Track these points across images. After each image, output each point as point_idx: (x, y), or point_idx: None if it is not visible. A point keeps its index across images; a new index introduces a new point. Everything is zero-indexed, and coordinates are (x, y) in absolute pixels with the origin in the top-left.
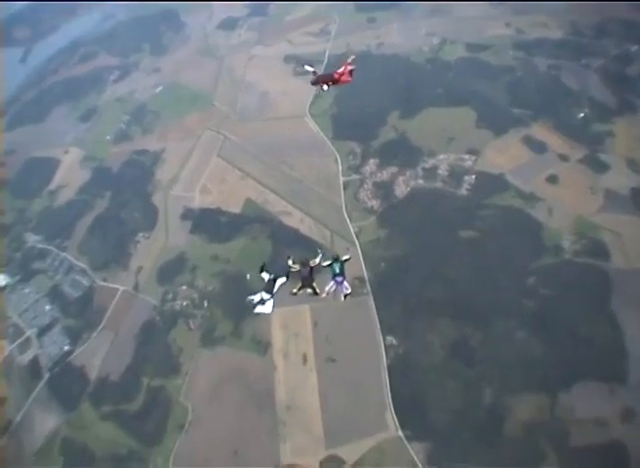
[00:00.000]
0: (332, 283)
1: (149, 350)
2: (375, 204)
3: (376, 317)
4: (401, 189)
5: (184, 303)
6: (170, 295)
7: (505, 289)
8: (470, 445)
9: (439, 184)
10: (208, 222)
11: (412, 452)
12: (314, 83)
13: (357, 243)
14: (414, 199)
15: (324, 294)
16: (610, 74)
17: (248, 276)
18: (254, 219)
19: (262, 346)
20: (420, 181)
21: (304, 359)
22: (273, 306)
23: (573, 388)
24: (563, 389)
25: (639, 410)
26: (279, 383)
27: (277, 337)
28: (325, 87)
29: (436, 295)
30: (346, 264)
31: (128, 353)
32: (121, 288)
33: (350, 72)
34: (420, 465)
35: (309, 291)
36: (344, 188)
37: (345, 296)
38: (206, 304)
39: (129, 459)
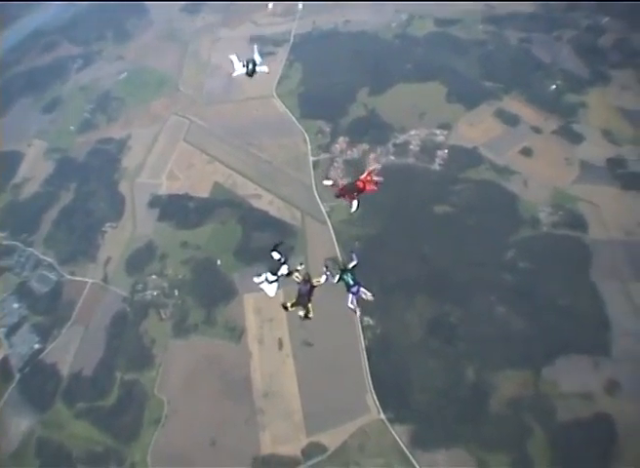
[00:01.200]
0: (350, 296)
1: (121, 343)
2: (345, 182)
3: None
4: (372, 166)
5: (155, 293)
6: (140, 286)
7: (483, 263)
8: (454, 424)
9: (411, 160)
10: (176, 209)
11: (395, 435)
12: (339, 196)
13: (329, 223)
14: (386, 175)
15: (353, 308)
16: (581, 46)
17: (218, 262)
18: (223, 203)
19: (237, 333)
20: (392, 158)
21: (280, 344)
22: (277, 289)
23: (556, 362)
24: (546, 364)
25: (624, 382)
26: (255, 370)
27: (251, 323)
28: (355, 203)
29: (413, 273)
30: (318, 243)
31: (99, 347)
32: (90, 280)
33: (376, 183)
34: (404, 448)
35: (300, 313)
36: (314, 168)
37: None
38: (177, 293)
39: (106, 457)
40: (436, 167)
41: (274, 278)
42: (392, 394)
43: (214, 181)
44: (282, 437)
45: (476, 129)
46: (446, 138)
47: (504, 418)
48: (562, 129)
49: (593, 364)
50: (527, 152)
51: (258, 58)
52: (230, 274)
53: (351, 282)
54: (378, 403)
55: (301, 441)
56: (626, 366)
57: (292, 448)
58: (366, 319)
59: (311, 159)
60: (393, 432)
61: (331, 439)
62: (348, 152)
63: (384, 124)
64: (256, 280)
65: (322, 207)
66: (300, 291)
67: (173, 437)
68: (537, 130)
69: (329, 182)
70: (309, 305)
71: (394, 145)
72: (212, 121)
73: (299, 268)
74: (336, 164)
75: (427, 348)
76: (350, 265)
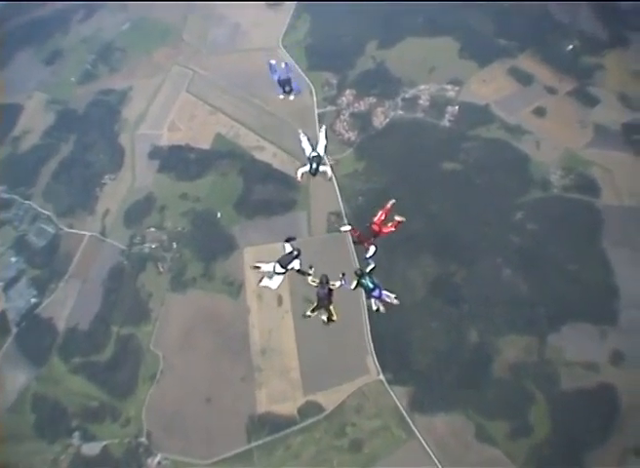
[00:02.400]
0: (373, 301)
1: (118, 297)
2: (352, 135)
3: (354, 253)
4: (379, 120)
5: (153, 246)
6: (138, 238)
7: (491, 224)
8: (455, 388)
9: (420, 115)
10: (176, 160)
11: (394, 397)
12: (356, 243)
13: (334, 177)
14: (393, 130)
15: (382, 309)
16: (601, 7)
17: (218, 214)
18: (224, 155)
19: (235, 288)
20: (400, 112)
21: (280, 300)
22: (281, 282)
23: (562, 329)
24: (552, 330)
25: (630, 353)
26: (253, 326)
27: (250, 278)
28: (372, 249)
29: (417, 231)
30: (321, 198)
31: (96, 301)
32: (87, 233)
33: (397, 224)
34: (402, 410)
35: (323, 317)
36: (319, 120)
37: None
38: (175, 246)
39: (101, 413)
40: (446, 123)
41: (282, 271)
42: (392, 355)
43: (216, 132)
44: (279, 395)
45: (488, 86)
46: (457, 94)
47: (506, 384)
48: (577, 90)
49: (599, 333)
50: (540, 112)
51: (322, 143)
52: (230, 227)
53: (370, 285)
54: (377, 363)
55: (298, 400)
56: (633, 337)
57: (288, 407)
58: (357, 268)
59: (317, 111)
60: (392, 393)
61: (328, 399)
62: (355, 105)
63: (393, 78)
64: (263, 268)
65: (326, 160)
66: (318, 294)
67: (168, 393)
68: (551, 90)
69: (347, 228)
70: (331, 308)
71: (403, 100)
72: (215, 71)
73: (310, 272)
74: (342, 116)
75: (430, 309)
76: (368, 269)
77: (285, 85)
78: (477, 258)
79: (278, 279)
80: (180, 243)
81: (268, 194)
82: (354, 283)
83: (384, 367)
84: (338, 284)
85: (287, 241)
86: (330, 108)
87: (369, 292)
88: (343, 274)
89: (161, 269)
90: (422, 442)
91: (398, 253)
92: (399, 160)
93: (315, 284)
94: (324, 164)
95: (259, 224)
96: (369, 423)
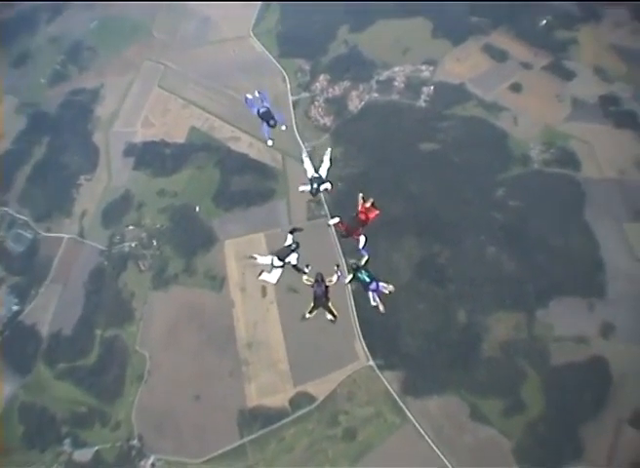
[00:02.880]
0: (371, 294)
1: (100, 299)
2: (327, 121)
3: (336, 240)
4: (355, 104)
5: (133, 244)
6: (117, 238)
7: (472, 202)
8: (446, 369)
9: (395, 97)
10: (152, 156)
11: (385, 382)
12: (346, 236)
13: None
14: (369, 113)
15: (376, 305)
16: None
17: (197, 208)
18: (200, 148)
19: (218, 281)
20: (375, 95)
21: (263, 291)
22: (280, 276)
23: (550, 304)
24: (540, 306)
25: (619, 325)
26: (238, 320)
27: (232, 270)
28: (363, 239)
29: (399, 213)
30: (300, 185)
31: (78, 304)
32: (66, 236)
33: (373, 204)
34: (394, 395)
35: (329, 317)
36: (294, 107)
37: (390, 292)
38: (155, 243)
39: (90, 417)
40: (422, 103)
41: (280, 264)
42: (381, 339)
43: (190, 126)
44: (268, 388)
45: (463, 64)
46: (431, 74)
47: (497, 362)
48: (552, 65)
49: (588, 306)
50: (516, 88)
51: (326, 165)
52: (210, 220)
53: (367, 279)
54: (366, 349)
55: (289, 391)
56: (621, 308)
57: (279, 400)
58: (352, 261)
59: (291, 98)
60: (383, 379)
61: (319, 388)
62: (330, 90)
63: (366, 61)
64: (259, 260)
65: (303, 147)
66: (315, 293)
67: (156, 393)
68: (526, 65)
69: (335, 221)
70: (330, 305)
71: (377, 82)
72: (187, 65)
73: (306, 270)
74: (317, 102)
75: (416, 290)
76: (362, 261)
77: (268, 119)
78: (461, 237)
79: (277, 273)
80: (160, 239)
81: (246, 185)
82: (349, 277)
83: (374, 352)
84: (334, 278)
85: (291, 232)
86: (304, 95)
87: (366, 287)
88: (338, 265)
89: (142, 267)
90: (417, 426)
91: (381, 237)
92: (376, 143)
93: (310, 283)
94: (324, 182)
95: (238, 216)
96: (361, 410)
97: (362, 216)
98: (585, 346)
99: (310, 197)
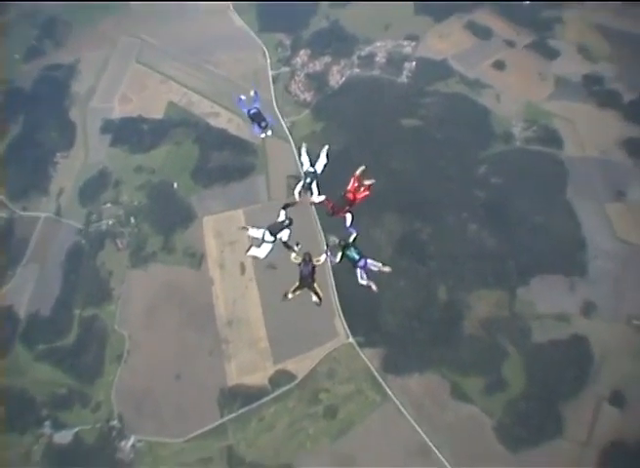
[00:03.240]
0: (359, 272)
1: (78, 278)
2: (308, 96)
3: (316, 216)
4: (336, 79)
5: (110, 222)
6: (94, 216)
7: (454, 179)
8: (427, 346)
9: (377, 72)
10: (129, 132)
11: (366, 359)
12: (332, 215)
13: (291, 139)
14: (350, 88)
15: (366, 284)
16: None
17: (175, 185)
18: (178, 123)
19: (197, 259)
20: (357, 70)
21: (242, 268)
22: (269, 252)
23: (531, 282)
24: (521, 283)
25: (600, 304)
26: (217, 297)
27: (211, 248)
28: (349, 218)
29: (379, 189)
30: (279, 161)
31: (56, 284)
32: (42, 215)
33: (368, 187)
34: (375, 372)
35: (315, 299)
36: (274, 82)
37: (384, 272)
38: (133, 220)
39: (70, 399)
40: (403, 79)
41: (272, 239)
42: (361, 317)
43: (168, 101)
44: (248, 366)
45: (446, 41)
46: (413, 50)
47: (479, 340)
48: (536, 43)
49: (569, 284)
50: (499, 65)
51: (323, 161)
52: (188, 197)
53: (356, 256)
54: (346, 326)
55: (269, 369)
56: (602, 287)
57: (259, 378)
58: (332, 238)
59: (271, 73)
60: (363, 356)
61: (299, 366)
62: (310, 65)
63: (348, 36)
64: (251, 232)
65: (283, 122)
66: (301, 273)
67: (136, 373)
68: (510, 43)
69: (321, 198)
70: (315, 286)
71: (359, 58)
72: (165, 39)
73: (296, 248)
74: (297, 77)
75: (397, 268)
76: (351, 239)
77: (259, 120)
78: (442, 214)
79: (266, 248)
80: (138, 217)
81: (225, 161)
82: (339, 255)
83: (354, 329)
84: (322, 258)
85: (284, 207)
86: (284, 69)
87: (355, 263)
88: (328, 245)
89: (120, 245)
90: (397, 404)
91: (361, 213)
92: (357, 119)
93: (298, 261)
94: (317, 184)
95: (216, 192)
96: (342, 388)
97: (350, 196)
98: (567, 324)
99: (292, 174)
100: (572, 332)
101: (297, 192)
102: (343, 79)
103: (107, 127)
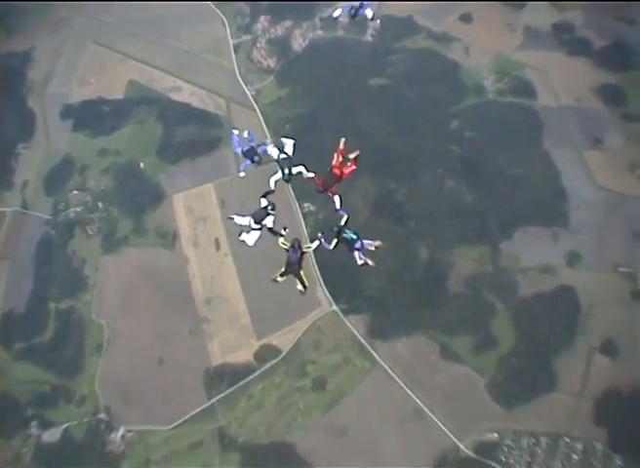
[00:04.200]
0: (357, 254)
1: (50, 270)
2: (271, 62)
3: (289, 187)
4: (298, 43)
5: (78, 209)
6: (62, 205)
7: (427, 135)
8: (412, 309)
9: (340, 33)
10: (90, 116)
11: (351, 327)
12: (323, 192)
13: (256, 107)
14: (314, 51)
15: (363, 262)
16: None
17: (141, 164)
18: (139, 102)
19: (169, 238)
20: (320, 32)
21: (217, 244)
22: (257, 239)
23: (514, 236)
24: (503, 238)
25: (585, 253)
26: (194, 276)
27: (184, 226)
28: (337, 198)
29: (350, 151)
30: (247, 129)
31: (28, 279)
32: (9, 209)
33: (355, 159)
34: (361, 339)
35: (299, 287)
36: (235, 51)
37: (377, 247)
38: (101, 205)
39: (54, 396)
40: (368, 38)
41: (257, 227)
42: (343, 283)
43: (128, 80)
44: (231, 344)
45: None
46: (377, 8)
47: (464, 298)
48: None
49: (552, 235)
50: (466, 18)
51: (290, 142)
52: (155, 176)
53: (354, 236)
54: (328, 294)
55: (253, 345)
56: (586, 236)
57: (243, 355)
58: (305, 205)
59: (232, 42)
60: (348, 323)
61: (283, 339)
62: (272, 31)
63: None
64: (237, 220)
65: (247, 91)
66: (289, 259)
67: (118, 362)
68: None
69: (310, 175)
70: (302, 273)
71: (321, 19)
72: (123, 18)
73: (283, 233)
74: (258, 44)
75: (375, 230)
76: (343, 221)
77: (252, 156)
78: (417, 173)
79: (254, 235)
80: (106, 201)
81: (190, 135)
82: (334, 241)
83: (336, 297)
84: (313, 245)
85: (264, 196)
86: (245, 37)
87: (351, 247)
88: (322, 233)
89: (90, 232)
90: (387, 369)
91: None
92: (323, 81)
93: (286, 247)
94: (296, 165)
95: (184, 168)
96: (329, 358)
97: (336, 172)
98: (552, 276)
99: (259, 142)
100: (558, 284)
101: (272, 181)
102: (306, 42)
103: (67, 112)
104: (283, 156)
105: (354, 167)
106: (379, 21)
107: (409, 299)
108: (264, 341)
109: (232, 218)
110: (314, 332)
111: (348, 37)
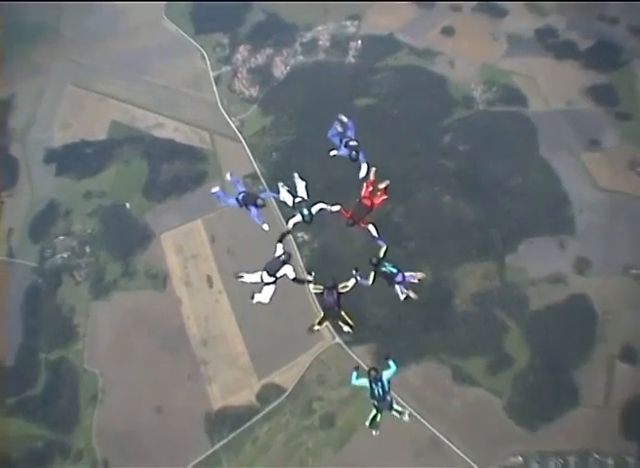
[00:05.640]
0: (398, 288)
1: (39, 319)
2: (253, 91)
3: (279, 214)
4: (280, 70)
5: (65, 255)
6: (48, 251)
7: (420, 152)
8: (419, 333)
9: (322, 56)
10: (73, 158)
11: (356, 358)
12: (351, 225)
13: (241, 138)
14: (296, 77)
15: (413, 296)
16: None
17: (127, 205)
18: (123, 141)
19: (160, 279)
20: (301, 58)
21: (210, 281)
22: (273, 294)
23: (519, 248)
24: (509, 251)
25: (594, 258)
26: (188, 317)
27: (174, 265)
28: (373, 228)
29: (341, 175)
30: (233, 162)
31: (17, 330)
32: None
33: (385, 189)
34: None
35: (346, 328)
36: (216, 83)
37: (420, 280)
38: (88, 250)
39: (49, 452)
40: (351, 59)
41: (271, 280)
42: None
43: (110, 120)
44: (232, 386)
45: (389, 15)
46: (357, 29)
47: (473, 317)
48: (483, 5)
49: (558, 243)
50: (448, 31)
51: (301, 184)
52: (142, 216)
53: (394, 270)
54: (330, 326)
55: (254, 386)
56: (593, 240)
57: (245, 396)
58: (299, 234)
59: (212, 74)
60: (353, 355)
61: (286, 377)
62: (252, 60)
63: (287, 24)
64: (247, 278)
65: (231, 122)
66: (324, 302)
67: (114, 412)
68: (455, 8)
69: (336, 208)
70: (343, 314)
71: (301, 44)
72: (100, 58)
73: (310, 278)
74: (239, 75)
75: (373, 255)
76: (382, 252)
77: (253, 201)
78: (412, 191)
79: (269, 290)
80: (93, 245)
81: (176, 171)
82: (372, 276)
83: (339, 328)
84: (351, 283)
85: (280, 240)
86: (225, 69)
87: (391, 281)
88: (357, 269)
89: (78, 278)
90: (398, 399)
91: (325, 203)
92: (308, 107)
93: (319, 291)
94: (314, 204)
95: (171, 206)
96: (335, 393)
97: (366, 202)
98: (563, 285)
99: (248, 174)
100: (570, 293)
101: (291, 224)
102: (288, 68)
103: (50, 156)
104: (298, 200)
105: (385, 196)
106: (360, 42)
107: (415, 324)
108: (266, 380)
109: (242, 277)
110: (318, 367)
111: (330, 60)
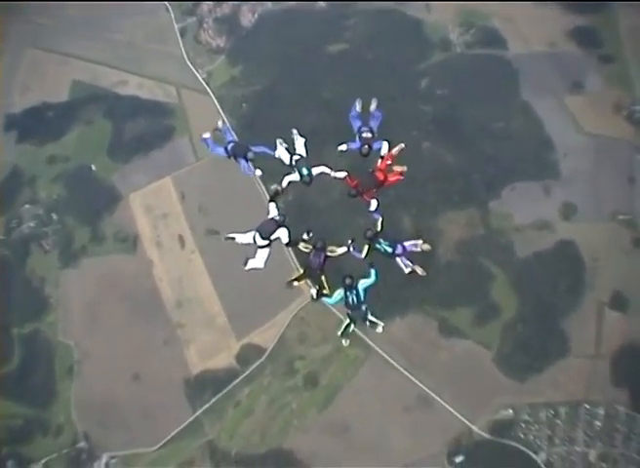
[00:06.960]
0: (400, 261)
1: (9, 293)
2: (220, 42)
3: (252, 170)
4: (247, 18)
5: (32, 224)
6: (14, 222)
7: (396, 97)
8: (402, 285)
9: (292, 3)
10: (35, 123)
11: (338, 313)
12: (354, 195)
13: (209, 90)
14: (264, 25)
15: (411, 269)
16: None
17: (93, 167)
18: (85, 101)
19: (130, 242)
20: (269, 5)
21: (182, 241)
22: (267, 258)
23: (502, 194)
24: (492, 197)
25: (580, 204)
26: (161, 279)
27: (144, 226)
28: (374, 203)
29: (315, 123)
30: (201, 116)
31: None
32: None
33: (401, 173)
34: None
35: (313, 291)
36: (182, 35)
37: (424, 250)
38: (55, 217)
39: (28, 430)
40: (321, 4)
41: (265, 243)
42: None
43: (71, 80)
44: (210, 348)
45: None
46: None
47: (458, 266)
48: None
49: (543, 188)
50: None
51: (300, 141)
52: (109, 177)
53: (389, 249)
54: (309, 281)
55: (233, 347)
56: (579, 186)
57: (224, 359)
58: (273, 186)
59: (177, 26)
60: (335, 310)
61: (265, 336)
62: (218, 9)
63: None
64: (238, 239)
65: (198, 74)
66: (310, 263)
67: (92, 383)
68: None
69: (342, 174)
70: (323, 278)
71: None
72: (59, 17)
73: (306, 237)
74: (205, 25)
75: (351, 205)
76: (378, 227)
77: (243, 154)
78: (389, 137)
79: (263, 254)
80: (60, 211)
81: (141, 129)
82: (365, 250)
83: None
84: (340, 250)
85: (272, 199)
86: (190, 20)
87: (391, 255)
88: (353, 240)
89: (46, 247)
90: (383, 355)
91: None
92: (278, 55)
93: (307, 250)
94: (316, 165)
95: (139, 165)
96: (318, 351)
97: (380, 176)
98: (549, 232)
99: (216, 127)
100: (557, 239)
101: (286, 181)
102: (256, 16)
103: (11, 123)
104: (296, 157)
105: (400, 177)
106: None
107: (398, 276)
108: (245, 341)
109: (233, 238)
110: (298, 325)
111: (300, 6)
